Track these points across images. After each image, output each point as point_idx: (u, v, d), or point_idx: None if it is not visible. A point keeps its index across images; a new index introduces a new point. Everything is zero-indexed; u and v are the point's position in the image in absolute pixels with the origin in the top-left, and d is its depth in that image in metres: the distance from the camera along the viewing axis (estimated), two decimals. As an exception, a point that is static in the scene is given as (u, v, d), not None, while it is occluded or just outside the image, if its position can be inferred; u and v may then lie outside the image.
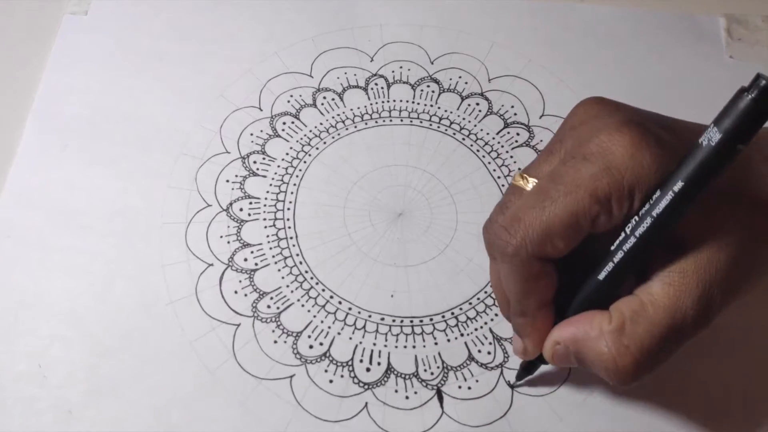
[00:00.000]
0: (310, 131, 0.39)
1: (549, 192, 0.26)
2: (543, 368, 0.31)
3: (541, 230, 0.26)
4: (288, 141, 0.38)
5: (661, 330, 0.26)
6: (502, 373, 0.32)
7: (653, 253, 0.26)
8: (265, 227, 0.36)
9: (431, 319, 0.34)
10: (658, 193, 0.25)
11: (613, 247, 0.26)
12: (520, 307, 0.29)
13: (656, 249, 0.26)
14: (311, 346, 0.33)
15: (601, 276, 0.27)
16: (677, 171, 0.24)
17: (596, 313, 0.27)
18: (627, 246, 0.26)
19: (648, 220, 0.25)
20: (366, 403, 0.31)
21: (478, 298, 0.34)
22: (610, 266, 0.26)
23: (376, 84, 0.41)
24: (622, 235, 0.26)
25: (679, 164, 0.24)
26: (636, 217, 0.25)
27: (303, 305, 0.34)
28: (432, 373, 0.32)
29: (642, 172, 0.25)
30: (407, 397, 0.32)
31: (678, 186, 0.24)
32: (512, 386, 0.32)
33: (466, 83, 0.41)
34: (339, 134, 0.39)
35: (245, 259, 0.35)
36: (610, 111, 0.27)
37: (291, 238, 0.35)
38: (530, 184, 0.28)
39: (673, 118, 0.28)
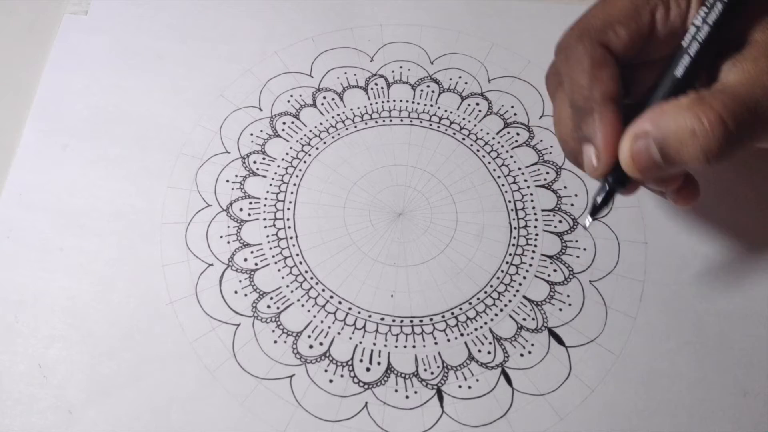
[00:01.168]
0: (310, 131, 0.39)
1: None
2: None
3: (603, 18, 0.29)
4: (288, 141, 0.38)
5: (742, 97, 0.25)
6: (502, 372, 0.32)
7: (722, 47, 0.27)
8: (265, 227, 0.36)
9: (431, 319, 0.34)
10: None
11: (685, 43, 0.27)
12: (588, 104, 0.28)
13: (722, 48, 0.27)
14: (311, 346, 0.33)
15: (679, 72, 0.27)
16: None
17: (669, 101, 0.26)
18: (701, 36, 0.27)
19: (719, 5, 0.26)
20: (366, 403, 0.31)
21: (478, 298, 0.34)
22: (686, 60, 0.27)
23: (376, 84, 0.41)
24: (693, 28, 0.27)
25: None
26: (705, 7, 0.27)
27: (303, 305, 0.34)
28: (432, 373, 0.32)
29: None
30: (407, 397, 0.32)
31: None
32: (586, 227, 0.33)
33: (466, 83, 0.41)
34: (339, 134, 0.39)
35: (245, 259, 0.35)
36: None
37: (291, 238, 0.35)
38: None
39: None
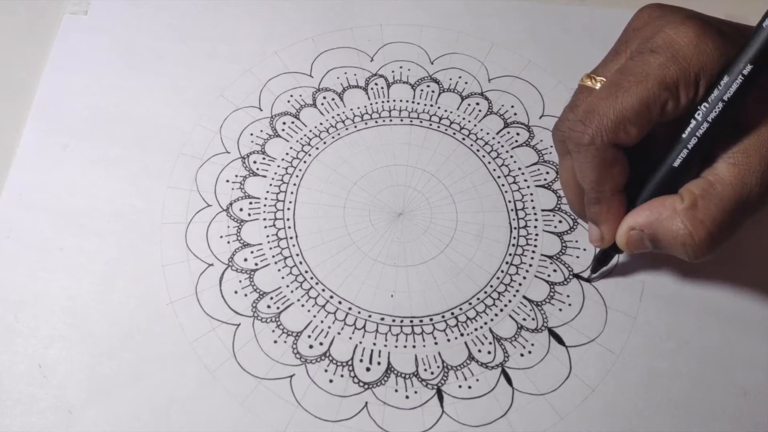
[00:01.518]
0: (310, 131, 0.39)
1: (620, 83, 0.28)
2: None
3: (615, 118, 0.28)
4: (288, 141, 0.38)
5: (730, 204, 0.28)
6: (502, 372, 0.32)
7: (719, 136, 0.28)
8: (265, 227, 0.36)
9: (431, 319, 0.34)
10: (726, 78, 0.27)
11: (684, 135, 0.28)
12: (596, 195, 0.31)
13: (720, 133, 0.28)
14: (311, 346, 0.33)
15: (676, 163, 0.29)
16: (742, 54, 0.26)
17: (667, 197, 0.29)
18: (701, 132, 0.28)
19: (719, 105, 0.27)
20: (366, 403, 0.31)
21: (478, 298, 0.34)
22: (684, 153, 0.28)
23: (376, 84, 0.41)
24: (693, 122, 0.28)
25: (741, 49, 0.26)
26: (706, 104, 0.27)
27: (303, 305, 0.34)
28: (432, 373, 0.32)
29: (706, 59, 0.27)
30: (407, 397, 0.32)
31: (747, 69, 0.26)
32: (588, 280, 0.34)
33: (466, 83, 0.41)
34: (339, 134, 0.39)
35: (245, 259, 0.35)
36: (672, 10, 0.30)
37: (291, 238, 0.35)
38: (598, 83, 0.30)
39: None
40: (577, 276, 0.35)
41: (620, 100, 0.28)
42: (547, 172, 0.38)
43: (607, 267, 0.34)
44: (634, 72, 0.28)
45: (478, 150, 0.39)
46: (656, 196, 0.30)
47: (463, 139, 0.39)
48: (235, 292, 0.34)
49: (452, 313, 0.34)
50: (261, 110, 0.39)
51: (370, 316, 0.34)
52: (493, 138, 0.39)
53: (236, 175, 0.37)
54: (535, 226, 0.36)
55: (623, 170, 0.30)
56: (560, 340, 0.33)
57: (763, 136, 0.28)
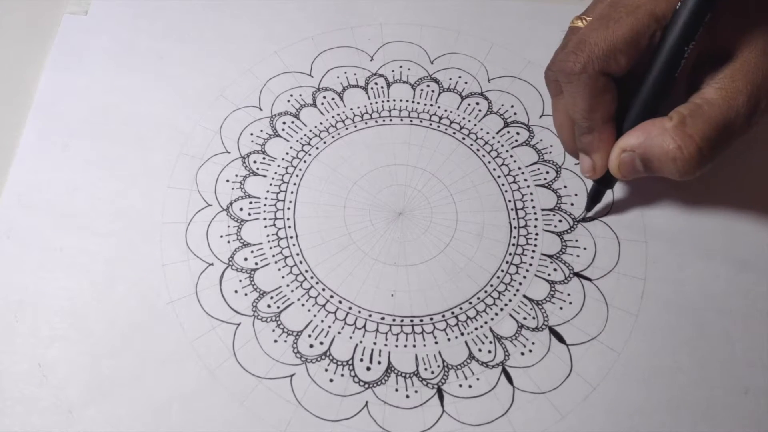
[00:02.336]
0: (310, 131, 0.39)
1: (611, 15, 0.30)
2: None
3: (605, 46, 0.30)
4: (288, 140, 0.38)
5: (717, 122, 0.29)
6: (503, 371, 0.32)
7: (705, 58, 0.30)
8: (265, 227, 0.36)
9: (431, 319, 0.34)
10: None
11: (665, 46, 0.30)
12: (587, 124, 0.32)
13: (705, 63, 0.30)
14: (311, 346, 0.33)
15: (658, 82, 0.30)
16: None
17: (656, 119, 0.31)
18: (675, 33, 0.29)
19: (690, 5, 0.29)
20: (366, 402, 0.31)
21: (478, 298, 0.34)
22: (661, 64, 0.30)
23: (376, 83, 0.41)
24: (671, 33, 0.30)
25: None
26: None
27: (303, 304, 0.34)
28: (432, 372, 0.32)
29: None
30: (408, 396, 0.32)
31: None
32: (583, 219, 0.36)
33: (466, 83, 0.41)
34: (339, 134, 0.39)
35: (245, 259, 0.35)
36: None
37: (291, 237, 0.35)
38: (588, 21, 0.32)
39: None
40: (578, 275, 0.35)
41: (611, 30, 0.30)
42: (547, 172, 0.38)
43: (600, 205, 0.36)
44: (625, 4, 0.30)
45: (478, 150, 0.39)
46: (644, 120, 0.31)
47: (463, 138, 0.39)
48: (236, 292, 0.34)
49: (452, 313, 0.34)
50: (261, 110, 0.39)
51: (370, 316, 0.34)
52: (493, 137, 0.39)
53: (236, 175, 0.37)
54: (535, 226, 0.36)
55: (613, 99, 0.32)
56: (561, 339, 0.33)
57: (747, 61, 0.29)
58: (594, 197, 0.36)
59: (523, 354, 0.33)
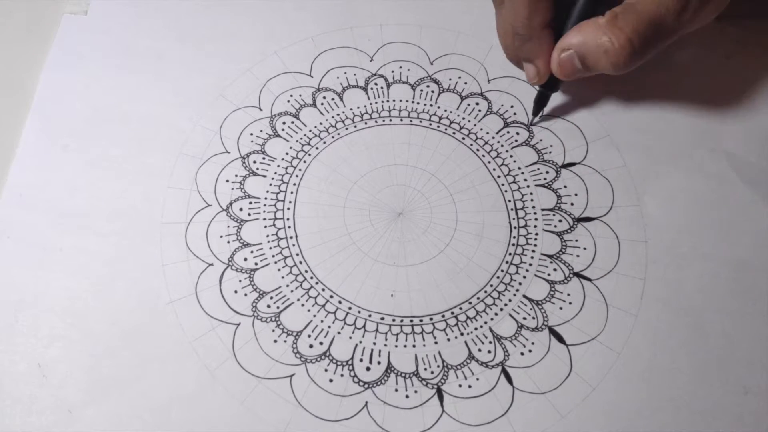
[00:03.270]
0: (310, 131, 0.39)
1: None
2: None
3: None
4: (288, 141, 0.38)
5: (648, 18, 0.32)
6: (502, 371, 0.32)
7: None
8: (265, 227, 0.36)
9: (431, 319, 0.34)
10: None
11: None
12: (528, 32, 0.35)
13: None
14: (311, 346, 0.33)
15: None
16: None
17: (591, 19, 0.34)
18: None
19: None
20: (366, 403, 0.31)
21: (478, 298, 0.34)
22: None
23: (375, 84, 0.41)
24: None
25: None
26: None
27: (303, 305, 0.34)
28: (432, 372, 0.32)
29: None
30: (407, 396, 0.32)
31: None
32: (530, 124, 0.39)
33: (466, 83, 0.41)
34: (339, 134, 0.39)
35: (245, 259, 0.35)
36: None
37: (291, 237, 0.35)
38: None
39: None
40: (578, 275, 0.35)
41: None
42: (547, 172, 0.38)
43: (546, 109, 0.39)
44: None
45: (478, 150, 0.39)
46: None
47: (463, 138, 0.39)
48: (235, 292, 0.34)
49: (452, 313, 0.34)
50: (261, 110, 0.39)
51: (370, 316, 0.34)
52: (493, 137, 0.39)
53: (236, 175, 0.37)
54: (535, 226, 0.36)
55: (550, 6, 0.35)
56: (561, 339, 0.33)
57: None
58: (539, 101, 0.38)
59: (522, 354, 0.33)
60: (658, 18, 0.32)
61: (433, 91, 0.40)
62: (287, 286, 0.34)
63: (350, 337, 0.33)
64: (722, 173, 0.38)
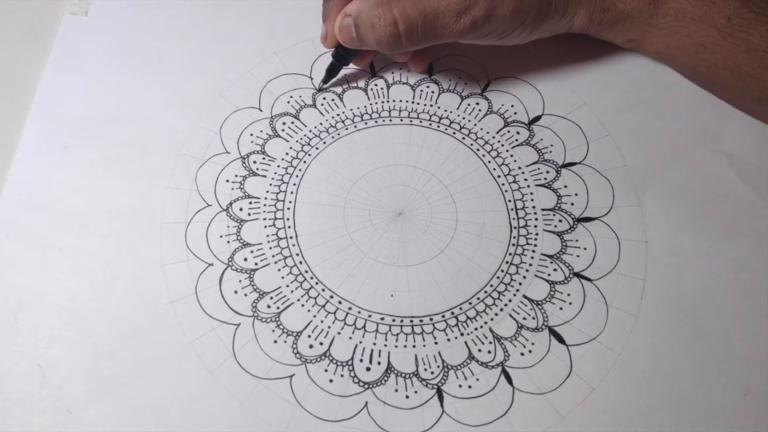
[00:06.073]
0: (310, 131, 0.39)
1: None
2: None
3: None
4: (288, 141, 0.38)
5: (425, 7, 0.33)
6: (502, 371, 0.32)
7: None
8: (265, 227, 0.36)
9: (431, 319, 0.34)
10: None
11: None
12: None
13: None
14: (311, 346, 0.33)
15: None
16: None
17: None
18: None
19: None
20: (366, 403, 0.31)
21: (478, 298, 0.34)
22: None
23: (375, 85, 0.41)
24: None
25: None
26: None
27: (303, 305, 0.34)
28: (432, 373, 0.32)
29: None
30: (407, 397, 0.32)
31: None
32: (318, 90, 0.39)
33: (466, 84, 0.41)
34: (339, 134, 0.39)
35: (245, 259, 0.35)
36: None
37: (291, 237, 0.35)
38: None
39: None
40: (578, 275, 0.35)
41: None
42: (547, 171, 0.38)
43: (336, 78, 0.39)
44: None
45: (478, 149, 0.39)
46: None
47: (463, 138, 0.39)
48: (235, 292, 0.34)
49: (452, 313, 0.34)
50: (261, 111, 0.39)
51: (370, 316, 0.34)
52: (493, 137, 0.39)
53: (236, 175, 0.37)
54: (535, 226, 0.36)
55: None
56: (561, 339, 0.33)
57: None
58: (330, 71, 0.39)
59: (522, 354, 0.33)
60: (434, 10, 0.33)
61: (433, 92, 0.40)
62: (287, 286, 0.34)
63: (350, 338, 0.33)
64: (722, 173, 0.37)
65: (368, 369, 0.32)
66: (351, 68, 0.41)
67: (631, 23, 0.38)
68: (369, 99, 0.40)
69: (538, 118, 0.39)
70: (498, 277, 0.35)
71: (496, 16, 0.34)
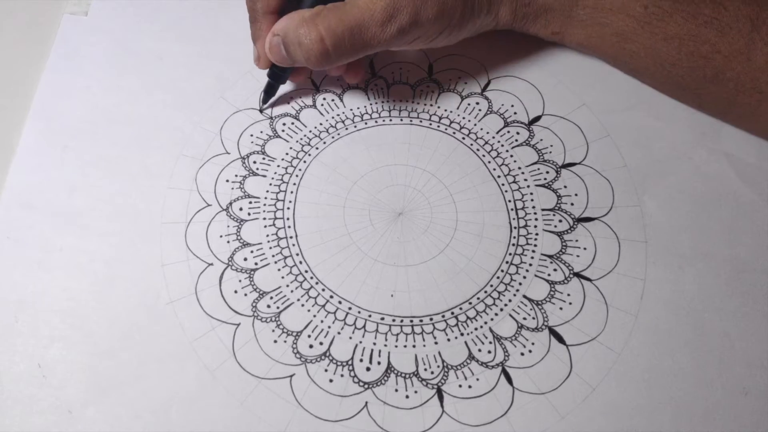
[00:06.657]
0: (310, 131, 0.39)
1: None
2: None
3: None
4: (288, 141, 0.38)
5: (349, 21, 0.33)
6: (502, 371, 0.32)
7: None
8: (265, 227, 0.36)
9: (431, 319, 0.34)
10: None
11: None
12: (252, 14, 0.36)
13: None
14: (311, 346, 0.33)
15: None
16: None
17: (302, 10, 0.34)
18: None
19: None
20: (366, 403, 0.31)
21: (478, 298, 0.34)
22: None
23: (375, 85, 0.41)
24: None
25: None
26: None
27: (303, 305, 0.34)
28: (432, 373, 0.32)
29: None
30: (407, 397, 0.32)
31: None
32: (260, 110, 0.39)
33: (466, 83, 0.41)
34: (339, 134, 0.39)
35: (245, 259, 0.35)
36: None
37: (291, 237, 0.35)
38: None
39: None
40: (578, 275, 0.35)
41: None
42: (547, 172, 0.38)
43: (274, 98, 0.39)
44: None
45: (478, 149, 0.39)
46: None
47: (463, 138, 0.39)
48: (235, 292, 0.34)
49: (452, 313, 0.34)
50: (261, 112, 0.39)
51: (370, 316, 0.34)
52: (493, 137, 0.39)
53: (236, 175, 0.37)
54: (535, 226, 0.36)
55: None
56: (561, 339, 0.33)
57: None
58: (267, 91, 0.39)
59: (522, 354, 0.33)
60: (359, 23, 0.33)
61: (433, 92, 0.40)
62: (287, 286, 0.34)
63: (350, 338, 0.33)
64: (722, 173, 0.37)
65: (368, 369, 0.32)
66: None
67: (552, 16, 0.39)
68: (369, 99, 0.40)
69: (538, 119, 0.40)
70: (498, 277, 0.35)
71: (421, 21, 0.34)
